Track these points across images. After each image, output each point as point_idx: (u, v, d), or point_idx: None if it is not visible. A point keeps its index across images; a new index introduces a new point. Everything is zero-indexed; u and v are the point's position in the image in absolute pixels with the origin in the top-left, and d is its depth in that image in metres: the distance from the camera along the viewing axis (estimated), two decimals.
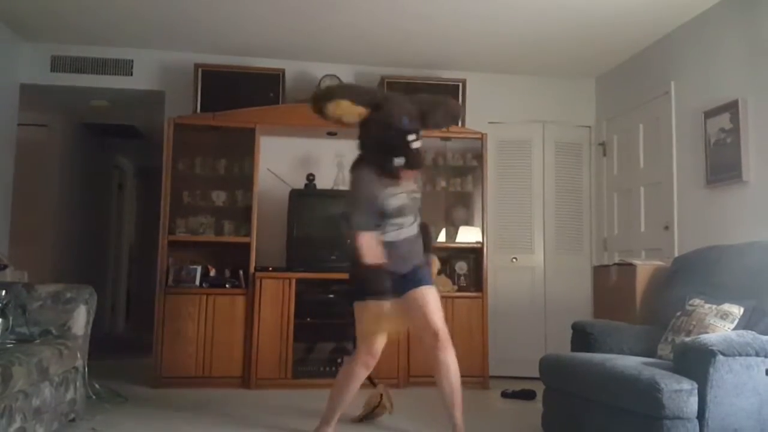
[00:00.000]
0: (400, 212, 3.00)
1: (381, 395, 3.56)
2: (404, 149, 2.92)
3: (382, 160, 2.95)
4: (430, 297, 3.09)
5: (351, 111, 2.91)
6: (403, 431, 3.45)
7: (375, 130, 2.95)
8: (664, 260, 4.06)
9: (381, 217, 2.97)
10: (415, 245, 3.13)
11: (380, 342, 3.04)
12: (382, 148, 2.95)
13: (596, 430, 2.85)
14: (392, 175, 2.96)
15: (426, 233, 3.24)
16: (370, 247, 2.87)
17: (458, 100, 5.10)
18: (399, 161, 2.92)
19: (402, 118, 2.92)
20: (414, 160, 2.95)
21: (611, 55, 5.12)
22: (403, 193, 3.02)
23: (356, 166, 3.04)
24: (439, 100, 3.22)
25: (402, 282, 3.03)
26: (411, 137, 2.92)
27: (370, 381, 3.43)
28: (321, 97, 2.96)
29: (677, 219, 4.43)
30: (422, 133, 3.02)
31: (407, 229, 3.06)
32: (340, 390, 3.12)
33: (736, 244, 3.34)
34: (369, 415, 3.56)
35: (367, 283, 2.86)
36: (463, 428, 3.07)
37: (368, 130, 2.97)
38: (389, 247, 2.97)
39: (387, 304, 2.84)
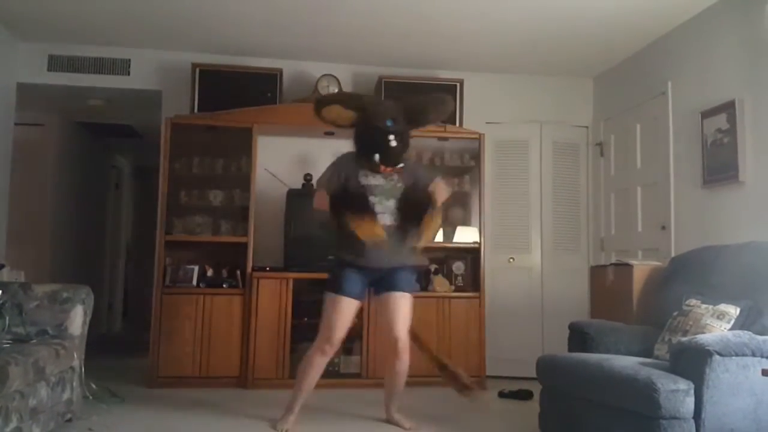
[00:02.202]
0: (374, 190, 3.32)
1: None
2: (382, 147, 3.26)
3: (364, 156, 3.35)
4: (401, 305, 3.37)
5: (342, 114, 3.35)
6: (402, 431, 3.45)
7: (361, 130, 3.35)
8: (661, 260, 4.07)
9: (360, 196, 3.29)
10: (396, 236, 3.31)
11: (340, 335, 3.34)
12: (364, 145, 3.35)
13: (593, 430, 2.85)
14: (372, 169, 3.35)
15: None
16: (320, 198, 3.36)
17: (455, 100, 5.10)
18: (377, 157, 3.28)
19: (386, 120, 3.28)
20: (390, 157, 3.30)
21: (609, 56, 5.13)
22: (379, 176, 3.36)
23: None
24: (428, 101, 3.53)
25: (381, 282, 3.37)
26: (390, 137, 3.26)
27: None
28: (319, 104, 3.38)
29: (674, 219, 4.43)
30: (411, 132, 3.41)
31: (389, 215, 3.31)
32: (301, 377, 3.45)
33: (732, 244, 3.34)
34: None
35: (334, 278, 3.33)
36: (395, 412, 3.50)
37: (357, 130, 3.37)
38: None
39: (350, 302, 3.30)
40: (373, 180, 3.34)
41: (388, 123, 3.27)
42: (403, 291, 3.37)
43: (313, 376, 3.41)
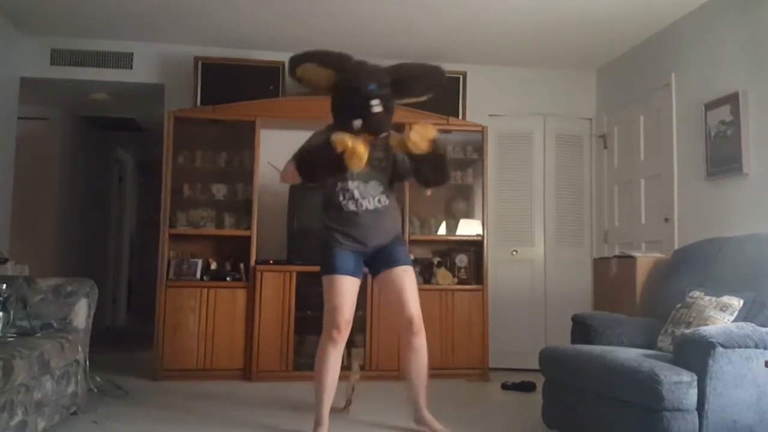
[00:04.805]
0: (353, 174, 2.94)
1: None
2: (364, 112, 2.84)
3: (342, 122, 2.90)
4: (407, 280, 3.07)
5: (317, 73, 2.93)
6: (403, 426, 3.45)
7: (339, 92, 2.92)
8: (665, 252, 4.07)
9: (341, 181, 2.99)
10: (386, 218, 3.09)
11: (347, 316, 3.00)
12: (343, 110, 2.92)
13: (596, 422, 2.86)
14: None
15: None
16: (286, 169, 3.03)
17: (459, 92, 5.10)
18: (357, 123, 2.85)
19: (368, 82, 2.86)
20: (373, 124, 2.87)
21: (612, 47, 5.11)
22: None
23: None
24: (420, 69, 3.07)
25: (376, 260, 3.09)
26: (374, 102, 2.84)
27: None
28: (292, 62, 2.99)
29: (677, 211, 4.43)
30: (395, 102, 2.95)
31: (371, 199, 3.02)
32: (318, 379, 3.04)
33: (736, 236, 3.34)
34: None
35: (325, 260, 3.01)
36: (426, 412, 3.15)
37: (335, 93, 2.95)
38: (350, 217, 3.01)
39: (346, 279, 2.98)
40: None
41: (371, 87, 2.85)
42: (405, 264, 3.08)
43: (331, 375, 3.00)
